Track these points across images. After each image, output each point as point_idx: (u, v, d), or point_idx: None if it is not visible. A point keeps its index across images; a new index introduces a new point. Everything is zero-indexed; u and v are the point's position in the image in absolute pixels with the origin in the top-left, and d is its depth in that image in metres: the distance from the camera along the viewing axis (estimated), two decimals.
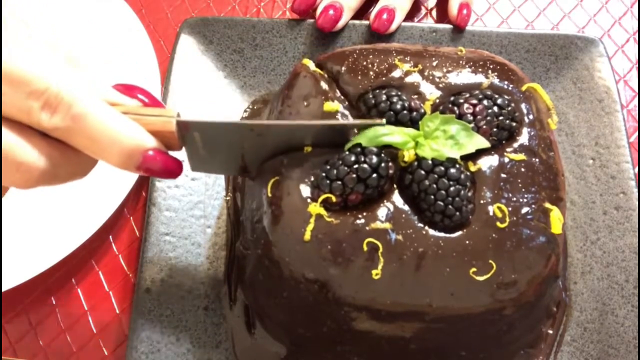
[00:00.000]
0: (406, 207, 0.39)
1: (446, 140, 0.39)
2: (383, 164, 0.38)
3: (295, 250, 0.38)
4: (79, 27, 0.58)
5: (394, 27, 0.56)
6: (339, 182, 0.38)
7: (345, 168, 0.38)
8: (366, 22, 0.57)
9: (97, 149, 0.34)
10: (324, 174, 0.39)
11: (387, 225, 0.38)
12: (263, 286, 0.41)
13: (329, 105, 0.43)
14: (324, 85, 0.44)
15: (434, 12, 0.63)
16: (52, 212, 0.49)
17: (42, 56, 0.32)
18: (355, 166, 0.38)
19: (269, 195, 0.40)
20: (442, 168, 0.38)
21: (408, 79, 0.44)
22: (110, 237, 0.51)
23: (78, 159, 0.35)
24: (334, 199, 0.38)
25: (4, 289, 0.46)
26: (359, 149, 0.39)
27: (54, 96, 0.32)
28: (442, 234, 0.38)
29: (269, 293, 0.41)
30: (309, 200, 0.39)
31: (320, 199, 0.38)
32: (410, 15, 0.61)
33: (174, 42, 0.55)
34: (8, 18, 0.33)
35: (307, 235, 0.37)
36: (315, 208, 0.38)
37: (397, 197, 0.39)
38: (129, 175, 0.50)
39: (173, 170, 0.37)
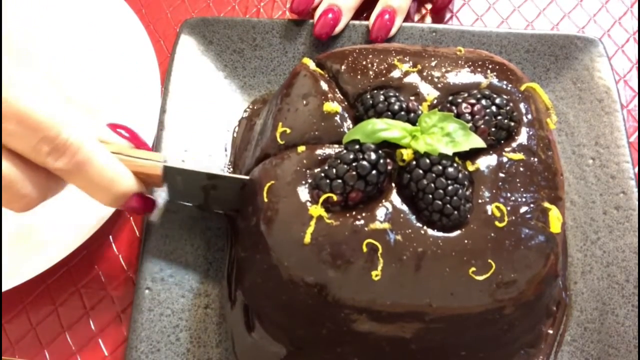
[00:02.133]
0: (404, 207, 0.39)
1: (442, 137, 0.39)
2: (382, 160, 0.38)
3: (295, 254, 0.38)
4: (79, 28, 0.58)
5: (394, 31, 0.56)
6: (339, 181, 0.38)
7: (345, 166, 0.38)
8: (366, 23, 0.57)
9: (92, 190, 0.38)
10: (322, 174, 0.39)
11: (386, 226, 0.38)
12: (262, 289, 0.41)
13: (329, 106, 0.43)
14: (324, 85, 0.44)
15: None
16: (52, 212, 0.49)
17: (53, 101, 0.35)
18: (354, 163, 0.38)
19: (266, 200, 0.40)
20: (440, 167, 0.38)
21: (407, 79, 0.44)
22: (110, 237, 0.51)
23: (64, 184, 0.39)
24: (335, 198, 0.38)
25: (4, 289, 0.46)
26: (356, 146, 0.39)
27: (63, 143, 0.35)
28: (440, 234, 0.38)
29: (268, 296, 0.41)
30: (308, 203, 0.39)
31: (321, 200, 0.38)
32: (409, 16, 0.61)
33: (174, 42, 0.55)
34: (12, 51, 0.35)
35: (307, 238, 0.37)
36: (317, 210, 0.38)
37: (395, 197, 0.39)
38: None
39: (148, 209, 0.43)
